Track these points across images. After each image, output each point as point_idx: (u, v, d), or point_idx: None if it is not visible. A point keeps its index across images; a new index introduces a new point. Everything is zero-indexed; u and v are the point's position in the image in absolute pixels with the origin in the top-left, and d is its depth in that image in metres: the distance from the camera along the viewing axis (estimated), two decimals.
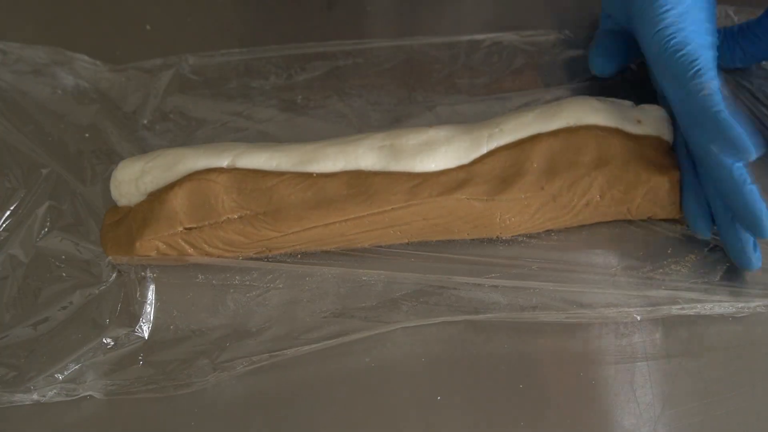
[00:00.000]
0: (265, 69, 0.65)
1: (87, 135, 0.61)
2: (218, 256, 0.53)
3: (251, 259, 0.54)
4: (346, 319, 0.52)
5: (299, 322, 0.52)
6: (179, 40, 0.68)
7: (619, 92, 0.62)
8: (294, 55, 0.65)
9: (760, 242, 0.52)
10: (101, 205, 0.57)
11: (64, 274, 0.54)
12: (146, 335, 0.51)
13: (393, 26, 0.67)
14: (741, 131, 0.49)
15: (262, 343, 0.51)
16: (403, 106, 0.62)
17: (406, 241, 0.54)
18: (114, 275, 0.53)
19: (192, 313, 0.52)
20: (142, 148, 0.60)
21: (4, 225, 0.56)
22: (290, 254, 0.54)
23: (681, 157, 0.54)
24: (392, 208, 0.53)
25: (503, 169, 0.54)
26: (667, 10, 0.52)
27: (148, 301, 0.52)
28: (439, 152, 0.54)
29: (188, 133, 0.61)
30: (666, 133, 0.55)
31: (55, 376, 0.49)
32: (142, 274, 0.53)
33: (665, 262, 0.53)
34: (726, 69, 0.62)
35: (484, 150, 0.55)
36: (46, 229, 0.56)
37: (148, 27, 0.69)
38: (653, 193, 0.53)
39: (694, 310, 0.51)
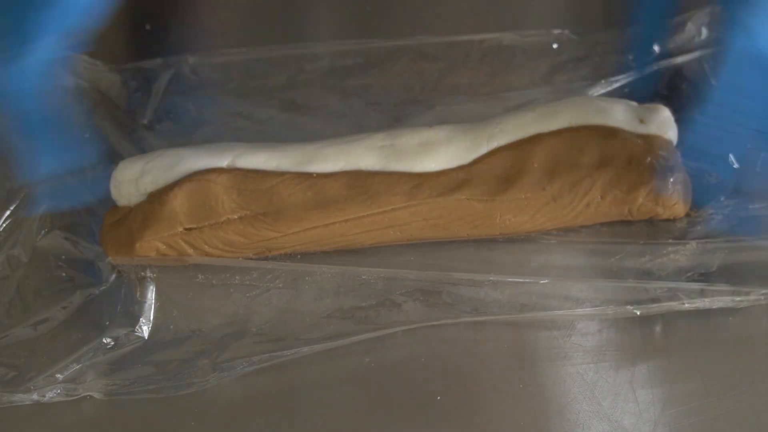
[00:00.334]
0: (265, 69, 0.65)
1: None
2: (218, 257, 0.53)
3: (251, 259, 0.54)
4: (346, 318, 0.52)
5: (299, 322, 0.52)
6: (179, 40, 0.68)
7: (622, 92, 0.63)
8: (294, 55, 0.65)
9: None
10: (101, 205, 0.57)
11: (64, 274, 0.54)
12: (146, 335, 0.51)
13: (393, 26, 0.67)
14: None
15: (262, 343, 0.51)
16: (403, 106, 0.62)
17: (406, 241, 0.54)
18: (114, 275, 0.53)
19: (192, 313, 0.52)
20: (142, 148, 0.60)
21: (4, 225, 0.56)
22: (290, 254, 0.54)
23: None
24: (392, 209, 0.53)
25: (504, 170, 0.54)
26: None
27: (148, 301, 0.52)
28: (439, 152, 0.54)
29: (188, 133, 0.61)
30: (670, 133, 0.55)
31: (56, 376, 0.49)
32: (142, 274, 0.53)
33: (664, 252, 0.53)
34: None
35: (484, 150, 0.55)
36: (46, 230, 0.56)
37: (147, 27, 0.69)
38: (655, 193, 0.53)
39: (694, 305, 0.51)
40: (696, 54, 0.63)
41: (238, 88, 0.64)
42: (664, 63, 0.63)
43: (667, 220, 0.55)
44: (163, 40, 0.68)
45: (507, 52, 0.65)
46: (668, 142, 0.55)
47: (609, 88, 0.62)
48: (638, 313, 0.51)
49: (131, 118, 0.62)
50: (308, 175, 0.54)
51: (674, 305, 0.51)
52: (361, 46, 0.65)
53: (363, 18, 0.68)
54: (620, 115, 0.55)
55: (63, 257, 0.54)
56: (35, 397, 0.49)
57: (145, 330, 0.51)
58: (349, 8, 0.69)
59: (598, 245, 0.54)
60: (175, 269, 0.54)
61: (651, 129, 0.55)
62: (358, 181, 0.53)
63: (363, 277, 0.53)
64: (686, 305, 0.51)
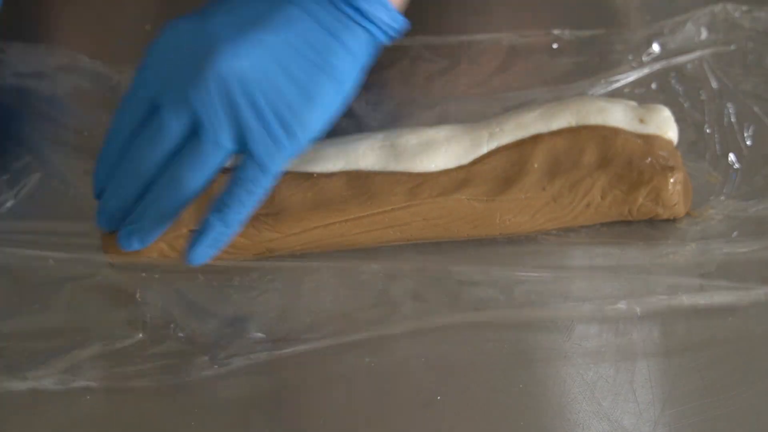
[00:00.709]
0: None
1: (86, 134, 0.61)
2: (220, 259, 0.53)
3: (252, 261, 0.54)
4: (345, 317, 0.52)
5: (299, 322, 0.52)
6: None
7: (622, 92, 0.63)
8: None
9: None
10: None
11: (64, 273, 0.54)
12: (146, 334, 0.51)
13: None
14: None
15: (262, 343, 0.51)
16: (403, 106, 0.62)
17: (406, 241, 0.54)
18: (114, 274, 0.53)
19: (192, 313, 0.52)
20: None
21: (4, 225, 0.56)
22: (290, 255, 0.54)
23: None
24: (392, 209, 0.53)
25: (504, 170, 0.54)
26: None
27: (149, 301, 0.52)
28: (439, 152, 0.54)
29: None
30: (670, 133, 0.55)
31: (52, 366, 0.49)
32: (143, 274, 0.53)
33: (664, 253, 0.53)
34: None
35: (484, 150, 0.55)
36: (47, 230, 0.56)
37: (147, 27, 0.69)
38: (655, 193, 0.53)
39: (693, 299, 0.51)
40: (696, 54, 0.63)
41: None
42: (664, 63, 0.63)
43: (667, 220, 0.55)
44: None
45: (507, 52, 0.65)
46: (668, 142, 0.55)
47: (609, 88, 0.62)
48: (638, 311, 0.51)
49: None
50: (309, 175, 0.54)
51: (675, 300, 0.51)
52: None
53: None
54: (620, 115, 0.55)
55: (63, 256, 0.54)
56: (31, 384, 0.49)
57: (144, 329, 0.51)
58: None
59: (598, 246, 0.54)
60: (176, 269, 0.54)
61: (651, 129, 0.55)
62: (359, 181, 0.53)
63: (362, 277, 0.53)
64: (686, 302, 0.51)
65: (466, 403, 0.49)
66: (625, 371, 0.50)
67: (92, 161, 0.58)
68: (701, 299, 0.51)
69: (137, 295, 0.53)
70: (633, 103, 0.57)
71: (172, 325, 0.52)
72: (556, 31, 0.66)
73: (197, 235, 0.49)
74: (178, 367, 0.50)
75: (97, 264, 0.54)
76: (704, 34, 0.64)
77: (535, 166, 0.54)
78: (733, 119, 0.60)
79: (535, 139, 0.55)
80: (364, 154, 0.54)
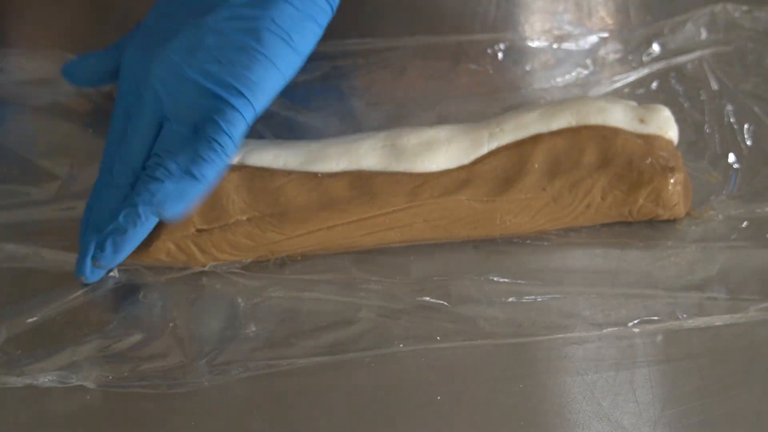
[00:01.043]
0: None
1: (91, 131, 0.61)
2: (224, 261, 0.53)
3: (255, 268, 0.54)
4: (343, 329, 0.51)
5: (297, 329, 0.52)
6: None
7: (622, 92, 0.63)
8: None
9: None
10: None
11: (65, 270, 0.54)
12: (145, 333, 0.51)
13: (393, 26, 0.67)
14: None
15: (260, 349, 0.50)
16: (403, 106, 0.62)
17: (408, 242, 0.54)
18: (115, 274, 0.53)
19: (192, 315, 0.52)
20: None
21: (5, 224, 0.56)
22: (292, 257, 0.54)
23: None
24: (393, 210, 0.53)
25: (504, 170, 0.54)
26: None
27: (150, 301, 0.52)
28: (440, 152, 0.54)
29: None
30: (670, 133, 0.55)
31: (51, 363, 0.49)
32: (147, 278, 0.53)
33: (665, 255, 0.53)
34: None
35: (484, 150, 0.55)
36: (50, 230, 0.56)
37: None
38: (656, 193, 0.53)
39: (693, 324, 0.51)
40: (696, 54, 0.63)
41: None
42: (664, 63, 0.63)
43: (667, 221, 0.55)
44: None
45: (507, 52, 0.65)
46: (669, 142, 0.55)
47: (609, 88, 0.62)
48: (637, 331, 0.51)
49: None
50: (313, 175, 0.54)
51: (674, 324, 0.51)
52: (361, 46, 0.65)
53: (363, 18, 0.68)
54: (620, 115, 0.55)
55: (63, 256, 0.54)
56: (28, 380, 0.49)
57: (144, 328, 0.51)
58: (349, 8, 0.69)
59: (598, 247, 0.54)
60: (179, 271, 0.54)
61: (651, 129, 0.55)
62: (361, 181, 0.54)
63: (362, 294, 0.53)
64: (685, 324, 0.51)
65: (466, 403, 0.49)
66: (625, 371, 0.50)
67: (94, 163, 0.59)
68: (701, 318, 0.51)
69: (139, 296, 0.53)
70: (633, 103, 0.57)
71: (171, 326, 0.52)
72: (556, 32, 0.66)
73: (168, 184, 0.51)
74: (176, 368, 0.50)
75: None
76: (704, 34, 0.64)
77: (536, 166, 0.54)
78: (733, 119, 0.60)
79: (536, 139, 0.55)
80: (366, 154, 0.55)
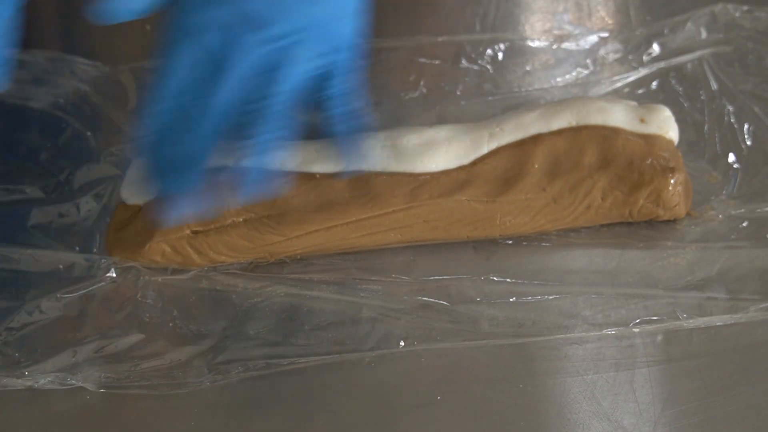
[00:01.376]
0: None
1: (89, 133, 0.61)
2: (222, 262, 0.53)
3: (255, 268, 0.54)
4: (343, 328, 0.51)
5: (298, 329, 0.52)
6: None
7: (622, 92, 0.63)
8: None
9: None
10: (105, 206, 0.57)
11: (64, 270, 0.54)
12: (145, 333, 0.51)
13: (393, 26, 0.67)
14: None
15: (260, 347, 0.51)
16: (403, 106, 0.62)
17: (407, 243, 0.54)
18: (116, 274, 0.53)
19: (192, 315, 0.52)
20: None
21: (6, 224, 0.56)
22: (291, 258, 0.54)
23: None
24: (393, 210, 0.53)
25: (504, 170, 0.54)
26: None
27: (149, 301, 0.52)
28: (440, 152, 0.54)
29: None
30: (671, 133, 0.55)
31: (51, 365, 0.49)
32: (147, 277, 0.53)
33: (664, 255, 0.53)
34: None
35: (484, 150, 0.55)
36: (49, 230, 0.56)
37: (148, 27, 0.69)
38: (656, 194, 0.53)
39: (693, 324, 0.51)
40: (696, 54, 0.63)
41: None
42: (664, 63, 0.63)
43: (668, 221, 0.55)
44: None
45: (507, 52, 0.65)
46: (669, 142, 0.55)
47: (609, 88, 0.62)
48: (637, 332, 0.51)
49: (133, 117, 0.62)
50: (312, 176, 0.54)
51: (674, 324, 0.51)
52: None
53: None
54: (621, 115, 0.55)
55: (64, 255, 0.54)
56: (28, 382, 0.49)
57: (144, 328, 0.51)
58: None
59: (599, 247, 0.54)
60: (179, 271, 0.54)
61: (651, 129, 0.55)
62: (360, 182, 0.53)
63: (362, 295, 0.53)
64: (685, 325, 0.51)
65: (466, 403, 0.49)
66: (625, 371, 0.50)
67: (96, 164, 0.59)
68: (701, 318, 0.51)
69: (138, 296, 0.53)
70: (633, 103, 0.57)
71: (171, 326, 0.52)
72: (556, 32, 0.66)
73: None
74: (176, 368, 0.50)
75: (100, 263, 0.54)
76: (704, 34, 0.64)
77: (536, 166, 0.54)
78: (733, 119, 0.60)
79: (536, 139, 0.55)
80: (366, 154, 0.54)
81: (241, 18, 0.43)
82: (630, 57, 0.64)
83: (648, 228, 0.55)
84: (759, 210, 0.55)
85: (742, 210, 0.55)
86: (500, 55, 0.65)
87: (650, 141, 0.54)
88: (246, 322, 0.52)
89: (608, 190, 0.53)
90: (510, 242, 0.55)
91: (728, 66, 0.63)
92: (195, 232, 0.53)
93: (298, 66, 0.44)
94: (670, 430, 0.48)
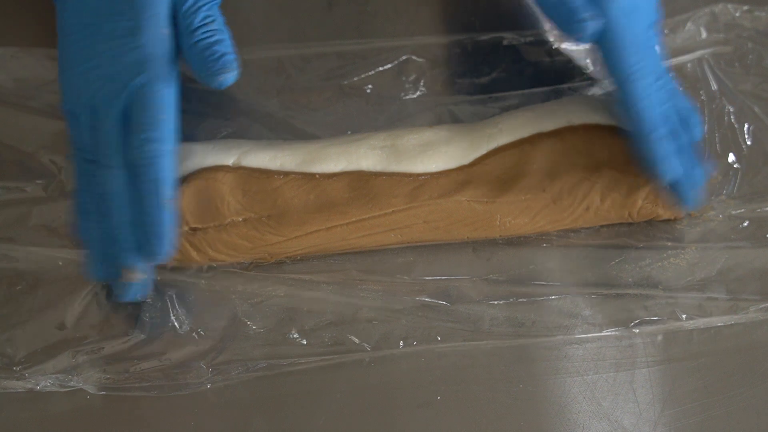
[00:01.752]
0: (265, 68, 0.65)
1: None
2: (221, 261, 0.53)
3: (255, 268, 0.54)
4: (343, 328, 0.51)
5: (298, 328, 0.52)
6: None
7: None
8: (294, 54, 0.65)
9: None
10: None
11: (64, 270, 0.54)
12: (145, 333, 0.51)
13: (393, 26, 0.67)
14: None
15: (260, 347, 0.51)
16: (403, 106, 0.62)
17: (407, 243, 0.54)
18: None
19: (192, 314, 0.52)
20: None
21: (6, 223, 0.56)
22: (291, 258, 0.54)
23: None
24: (393, 211, 0.53)
25: (504, 171, 0.54)
26: None
27: (149, 301, 0.52)
28: (439, 153, 0.54)
29: (189, 131, 0.61)
30: None
31: (51, 366, 0.49)
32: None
33: (664, 256, 0.53)
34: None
35: (484, 150, 0.55)
36: (50, 229, 0.56)
37: None
38: (655, 194, 0.53)
39: (694, 325, 0.51)
40: (696, 54, 0.63)
41: (238, 87, 0.64)
42: (663, 63, 0.63)
43: (668, 220, 0.55)
44: None
45: (506, 52, 0.65)
46: None
47: (609, 88, 0.62)
48: (637, 332, 0.51)
49: None
50: (311, 176, 0.54)
51: (674, 324, 0.51)
52: (361, 46, 0.65)
53: (363, 18, 0.68)
54: (619, 114, 0.55)
55: (65, 255, 0.54)
56: (29, 385, 0.49)
57: (143, 328, 0.51)
58: (349, 8, 0.69)
59: (598, 247, 0.54)
60: (178, 271, 0.54)
61: None
62: (360, 182, 0.53)
63: (362, 294, 0.53)
64: (686, 325, 0.51)
65: (466, 403, 0.49)
66: (625, 371, 0.50)
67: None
68: (701, 319, 0.51)
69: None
70: None
71: (171, 326, 0.52)
72: (556, 31, 0.66)
73: None
74: (176, 368, 0.50)
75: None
76: (704, 34, 0.64)
77: (535, 167, 0.54)
78: (733, 119, 0.60)
79: (535, 139, 0.55)
80: (365, 155, 0.54)
81: None
82: None
83: (648, 228, 0.55)
84: (759, 210, 0.55)
85: (742, 210, 0.55)
86: (500, 55, 0.65)
87: None
88: (246, 322, 0.52)
89: (607, 191, 0.53)
90: (510, 242, 0.55)
91: (728, 66, 0.63)
92: (193, 229, 0.53)
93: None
94: (670, 430, 0.48)
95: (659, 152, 0.50)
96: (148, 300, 0.52)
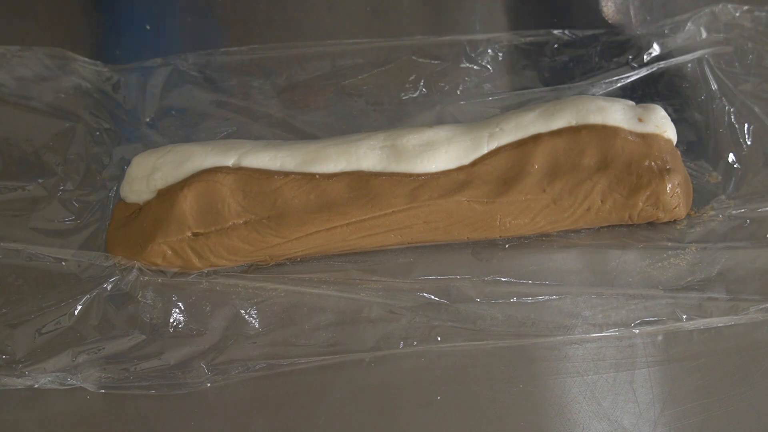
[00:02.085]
0: (265, 68, 0.65)
1: (90, 132, 0.61)
2: (222, 266, 0.53)
3: (255, 270, 0.54)
4: (343, 329, 0.51)
5: (298, 328, 0.52)
6: (179, 39, 0.68)
7: (622, 92, 0.62)
8: (294, 55, 0.65)
9: None
10: (105, 204, 0.57)
11: (65, 270, 0.54)
12: (145, 334, 0.51)
13: (393, 26, 0.67)
14: None
15: (260, 347, 0.51)
16: (403, 106, 0.62)
17: (407, 244, 0.54)
18: (116, 274, 0.53)
19: (192, 315, 0.52)
20: (146, 146, 0.60)
21: (7, 222, 0.56)
22: (291, 260, 0.54)
23: None
24: (393, 211, 0.53)
25: (504, 171, 0.54)
26: None
27: (149, 301, 0.52)
28: (440, 153, 0.54)
29: (189, 131, 0.62)
30: (669, 132, 0.55)
31: (51, 365, 0.49)
32: (147, 278, 0.53)
33: (664, 256, 0.53)
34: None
35: (484, 150, 0.55)
36: (50, 228, 0.56)
37: (147, 27, 0.69)
38: (655, 197, 0.53)
39: (694, 325, 0.51)
40: (696, 54, 0.63)
41: (238, 87, 0.64)
42: (664, 63, 0.63)
43: (668, 221, 0.55)
44: (163, 40, 0.68)
45: (507, 52, 0.65)
46: (668, 142, 0.55)
47: (609, 89, 0.62)
48: (637, 332, 0.51)
49: (134, 116, 0.62)
50: (311, 177, 0.54)
51: (674, 325, 0.51)
52: (361, 46, 0.65)
53: (363, 18, 0.68)
54: (619, 114, 0.55)
55: (66, 255, 0.54)
56: (29, 382, 0.49)
57: (143, 328, 0.51)
58: (349, 8, 0.69)
59: (599, 247, 0.54)
60: (180, 274, 0.54)
61: (650, 128, 0.55)
62: (360, 182, 0.53)
63: (362, 295, 0.53)
64: (686, 325, 0.51)
65: (466, 403, 0.49)
66: (625, 371, 0.50)
67: (97, 163, 0.59)
68: (701, 319, 0.51)
69: (138, 296, 0.53)
70: (631, 103, 0.57)
71: (171, 326, 0.52)
72: (556, 31, 0.66)
73: None
74: (176, 368, 0.50)
75: (101, 263, 0.54)
76: (704, 34, 0.64)
77: (536, 167, 0.54)
78: (733, 119, 0.60)
79: (536, 139, 0.55)
80: (365, 155, 0.54)
81: None
82: (630, 57, 0.64)
83: (648, 228, 0.55)
84: (759, 210, 0.55)
85: (742, 210, 0.55)
86: (500, 55, 0.65)
87: (649, 141, 0.54)
88: (246, 322, 0.52)
89: (607, 192, 0.53)
90: (510, 243, 0.55)
91: (728, 66, 0.63)
92: (196, 234, 0.53)
93: None
94: (670, 430, 0.48)
95: None
96: (149, 301, 0.52)
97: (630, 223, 0.54)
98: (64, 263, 0.54)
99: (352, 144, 0.55)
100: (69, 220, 0.56)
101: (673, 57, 0.63)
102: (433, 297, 0.52)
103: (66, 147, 0.60)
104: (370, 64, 0.64)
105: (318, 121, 0.62)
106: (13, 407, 0.49)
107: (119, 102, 0.63)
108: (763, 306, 0.51)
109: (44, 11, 0.70)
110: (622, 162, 0.53)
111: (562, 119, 0.55)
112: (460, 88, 0.63)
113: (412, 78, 0.64)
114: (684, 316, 0.51)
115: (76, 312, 0.52)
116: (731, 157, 0.59)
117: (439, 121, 0.60)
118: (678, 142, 0.56)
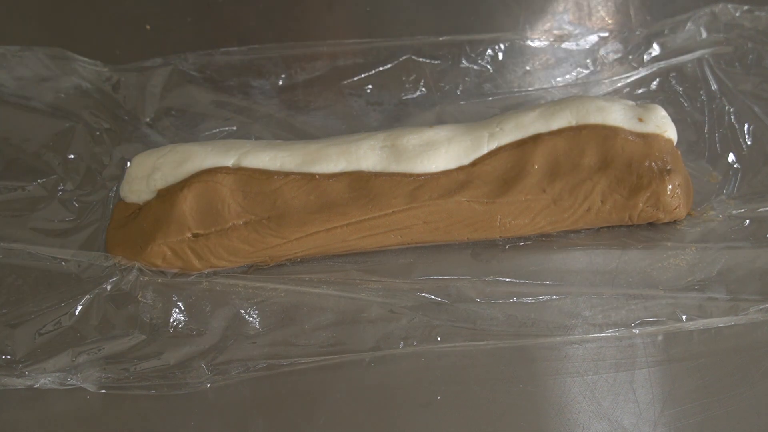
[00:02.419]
0: (265, 68, 0.65)
1: (90, 132, 0.61)
2: (222, 267, 0.53)
3: (255, 270, 0.54)
4: (343, 329, 0.51)
5: (298, 328, 0.52)
6: (179, 39, 0.68)
7: (622, 92, 0.63)
8: (294, 55, 0.65)
9: None
10: (105, 204, 0.57)
11: (65, 270, 0.54)
12: (145, 334, 0.51)
13: (393, 26, 0.67)
14: None
15: (260, 347, 0.51)
16: (403, 106, 0.62)
17: (407, 244, 0.54)
18: (116, 274, 0.53)
19: (193, 315, 0.52)
20: (146, 146, 0.60)
21: (7, 222, 0.56)
22: (291, 260, 0.54)
23: None
24: (393, 211, 0.53)
25: (504, 171, 0.54)
26: None
27: (149, 301, 0.52)
28: (440, 153, 0.54)
29: (189, 131, 0.62)
30: (669, 132, 0.55)
31: (51, 365, 0.49)
32: (147, 278, 0.53)
33: (665, 256, 0.53)
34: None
35: (484, 150, 0.55)
36: (50, 228, 0.56)
37: (148, 27, 0.69)
38: (655, 198, 0.53)
39: (695, 326, 0.51)
40: (696, 54, 0.63)
41: (239, 87, 0.64)
42: (664, 63, 0.63)
43: (668, 222, 0.55)
44: (163, 40, 0.68)
45: (507, 52, 0.65)
46: (668, 142, 0.55)
47: (609, 88, 0.62)
48: (637, 332, 0.51)
49: (134, 116, 0.62)
50: (311, 177, 0.54)
51: (672, 325, 0.51)
52: (361, 46, 0.65)
53: (363, 18, 0.68)
54: (620, 114, 0.55)
55: (66, 255, 0.54)
56: (29, 382, 0.49)
57: (144, 329, 0.51)
58: (349, 8, 0.69)
59: (599, 248, 0.54)
60: (180, 274, 0.54)
61: (650, 127, 0.55)
62: (360, 183, 0.53)
63: (362, 294, 0.53)
64: (686, 325, 0.51)
65: (466, 403, 0.49)
66: (625, 372, 0.50)
67: (97, 163, 0.59)
68: (701, 320, 0.51)
69: (138, 296, 0.53)
70: (631, 102, 0.57)
71: (171, 326, 0.52)
72: (556, 31, 0.66)
73: None
74: (176, 368, 0.50)
75: (101, 263, 0.54)
76: (704, 34, 0.64)
77: (536, 167, 0.54)
78: (733, 119, 0.60)
79: (536, 139, 0.55)
80: (365, 155, 0.54)
81: None
82: (630, 57, 0.64)
83: (648, 228, 0.55)
84: (759, 210, 0.55)
85: (743, 210, 0.55)
86: (500, 55, 0.65)
87: (649, 141, 0.54)
88: (246, 322, 0.52)
89: (608, 192, 0.53)
90: (510, 243, 0.55)
91: (728, 66, 0.63)
92: (196, 235, 0.53)
93: None
94: (670, 430, 0.48)
95: None
96: (149, 301, 0.52)
97: (630, 223, 0.54)
98: (64, 263, 0.54)
99: (352, 144, 0.55)
100: (69, 220, 0.56)
101: (673, 57, 0.63)
102: (433, 297, 0.52)
103: (66, 147, 0.60)
104: (370, 64, 0.64)
105: (318, 121, 0.62)
106: (13, 407, 0.49)
107: (119, 102, 0.63)
108: (763, 306, 0.51)
109: (44, 11, 0.70)
110: (623, 162, 0.53)
111: (562, 119, 0.55)
112: (460, 88, 0.63)
113: (412, 78, 0.64)
114: (684, 316, 0.51)
115: (76, 312, 0.52)
116: (731, 157, 0.59)
117: (439, 121, 0.60)
118: (678, 142, 0.56)
